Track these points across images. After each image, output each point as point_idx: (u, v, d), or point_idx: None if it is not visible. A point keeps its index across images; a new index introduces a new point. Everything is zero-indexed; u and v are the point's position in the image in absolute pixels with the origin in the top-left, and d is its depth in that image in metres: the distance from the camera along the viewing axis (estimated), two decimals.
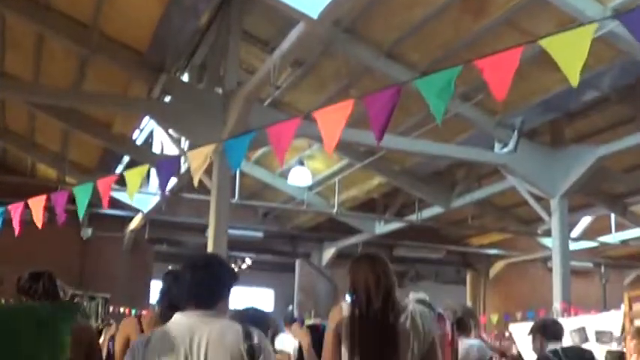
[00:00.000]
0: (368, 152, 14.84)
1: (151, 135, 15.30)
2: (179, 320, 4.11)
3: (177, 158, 7.29)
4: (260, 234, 20.57)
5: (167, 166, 6.86)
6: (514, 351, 12.32)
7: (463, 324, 7.38)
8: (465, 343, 7.22)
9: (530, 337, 7.29)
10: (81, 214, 7.43)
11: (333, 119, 4.73)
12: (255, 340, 3.98)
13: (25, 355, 1.26)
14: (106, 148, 15.97)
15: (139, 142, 15.57)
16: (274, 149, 5.12)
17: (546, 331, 7.26)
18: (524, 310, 15.71)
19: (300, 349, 5.83)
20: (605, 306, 19.60)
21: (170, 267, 5.88)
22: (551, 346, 7.02)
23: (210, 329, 3.99)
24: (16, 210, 8.20)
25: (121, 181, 11.14)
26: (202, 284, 4.14)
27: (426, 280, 22.55)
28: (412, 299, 5.36)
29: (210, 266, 4.25)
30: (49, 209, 8.39)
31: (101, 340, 8.02)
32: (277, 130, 5.12)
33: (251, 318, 5.46)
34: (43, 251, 14.91)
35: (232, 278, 4.28)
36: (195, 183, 6.44)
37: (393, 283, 4.83)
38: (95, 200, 7.85)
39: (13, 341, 1.28)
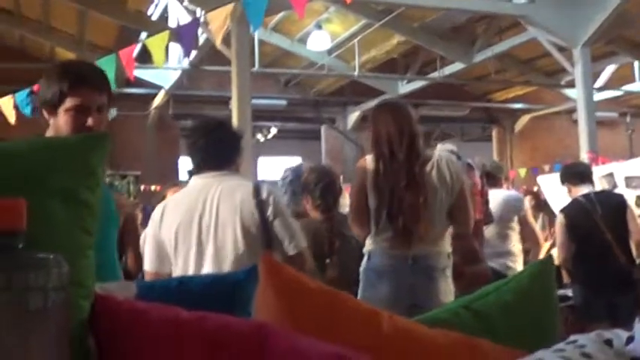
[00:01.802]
0: (386, 11, 14.66)
1: (166, 9, 15.16)
2: (194, 182, 4.27)
3: (195, 21, 7.22)
4: (283, 102, 20.53)
5: (187, 30, 6.82)
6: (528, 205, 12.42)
7: (492, 177, 7.44)
8: (501, 193, 7.31)
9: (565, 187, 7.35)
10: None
11: None
12: (264, 195, 4.07)
13: (56, 189, 1.28)
14: (123, 26, 15.87)
15: (154, 18, 15.44)
16: (293, 3, 5.07)
17: (569, 174, 7.31)
18: (552, 164, 15.75)
19: None
20: (631, 155, 19.57)
21: None
22: (583, 190, 7.06)
23: (222, 187, 4.13)
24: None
25: (141, 59, 11.11)
26: (217, 145, 4.24)
27: (452, 139, 22.51)
28: (440, 150, 5.35)
29: (222, 128, 4.34)
30: None
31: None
32: None
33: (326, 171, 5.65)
34: None
35: (240, 139, 4.41)
36: (218, 44, 6.42)
37: (417, 132, 4.82)
38: (117, 79, 7.88)
39: (39, 175, 1.29)
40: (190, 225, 4.11)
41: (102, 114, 3.21)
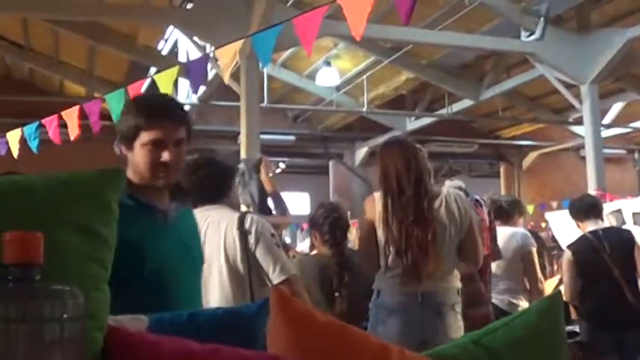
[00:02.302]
0: (394, 48, 14.73)
1: (175, 45, 15.25)
2: None
3: (205, 57, 7.27)
4: (292, 137, 20.56)
5: (196, 66, 6.86)
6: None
7: (505, 213, 7.43)
8: (508, 231, 7.27)
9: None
10: (116, 120, 7.48)
11: (358, 3, 4.69)
12: (247, 225, 4.11)
13: (72, 222, 1.29)
14: (132, 62, 15.95)
15: (164, 53, 15.52)
16: (301, 40, 5.11)
17: (576, 209, 7.30)
18: (560, 200, 15.72)
19: None
20: (639, 192, 19.55)
21: None
22: (591, 225, 7.05)
23: (210, 220, 4.20)
24: (51, 124, 8.31)
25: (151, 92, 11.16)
26: (207, 181, 4.33)
27: (460, 175, 22.49)
28: (448, 186, 5.36)
29: (211, 164, 4.41)
30: (82, 127, 8.46)
31: None
32: (303, 20, 5.10)
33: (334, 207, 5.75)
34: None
35: (230, 172, 4.49)
36: (226, 80, 6.47)
37: (425, 168, 4.83)
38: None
39: (61, 210, 1.30)
40: None
41: (179, 148, 3.12)
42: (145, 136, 3.04)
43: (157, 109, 3.13)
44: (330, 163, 22.19)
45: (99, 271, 1.37)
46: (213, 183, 4.39)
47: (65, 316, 1.15)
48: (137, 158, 3.08)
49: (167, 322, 1.65)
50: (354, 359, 1.49)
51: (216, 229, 4.17)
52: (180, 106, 3.28)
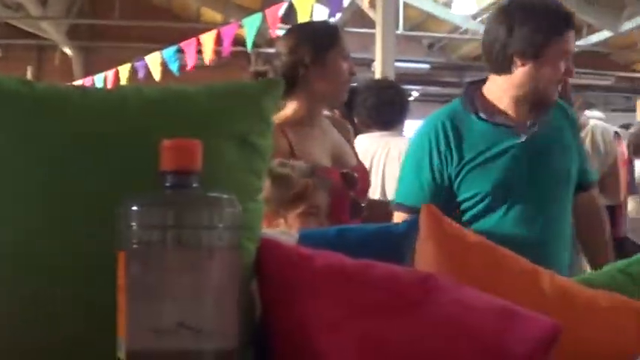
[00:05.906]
0: None
1: None
2: (360, 141, 4.17)
3: None
4: (426, 66, 20.33)
5: None
6: None
7: None
8: None
9: None
10: (249, 45, 7.56)
11: None
12: None
13: (230, 132, 1.30)
14: None
15: None
16: None
17: None
18: None
19: None
20: None
21: None
22: None
23: (389, 146, 4.05)
24: (188, 46, 8.44)
25: (286, 19, 11.19)
26: (388, 105, 4.19)
27: (594, 108, 21.92)
28: (589, 116, 5.24)
29: (393, 89, 4.29)
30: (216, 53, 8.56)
31: None
32: None
33: None
34: None
35: (408, 100, 4.35)
36: (365, 6, 6.42)
37: (571, 101, 4.74)
38: (261, 41, 8.02)
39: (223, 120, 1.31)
40: None
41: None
42: (554, 48, 2.97)
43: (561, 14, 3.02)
44: None
45: (255, 183, 1.37)
46: (394, 108, 4.26)
47: (222, 224, 1.16)
48: (544, 72, 3.01)
49: (316, 238, 1.65)
50: (506, 280, 1.46)
51: (396, 157, 4.03)
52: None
